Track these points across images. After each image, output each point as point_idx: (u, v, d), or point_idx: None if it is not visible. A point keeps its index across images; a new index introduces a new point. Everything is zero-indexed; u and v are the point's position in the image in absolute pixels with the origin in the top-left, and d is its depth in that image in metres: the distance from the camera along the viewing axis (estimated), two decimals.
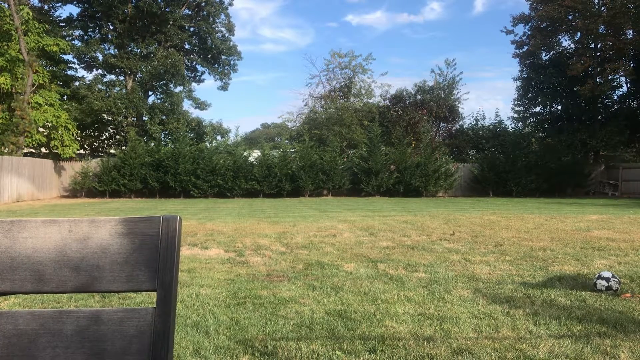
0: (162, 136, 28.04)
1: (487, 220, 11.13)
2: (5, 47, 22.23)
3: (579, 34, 27.37)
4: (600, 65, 26.21)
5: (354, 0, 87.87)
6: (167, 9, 28.90)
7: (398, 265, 5.68)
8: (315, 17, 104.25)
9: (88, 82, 27.94)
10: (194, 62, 32.52)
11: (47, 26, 24.52)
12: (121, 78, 29.32)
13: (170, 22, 29.02)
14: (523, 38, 29.51)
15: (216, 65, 32.51)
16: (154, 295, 1.01)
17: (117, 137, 29.41)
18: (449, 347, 3.00)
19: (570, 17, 27.19)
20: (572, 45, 28.71)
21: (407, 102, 32.38)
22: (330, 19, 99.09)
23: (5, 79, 21.69)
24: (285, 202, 19.84)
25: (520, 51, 29.65)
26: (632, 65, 27.01)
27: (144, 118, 28.11)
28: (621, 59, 26.71)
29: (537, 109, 30.79)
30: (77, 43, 28.62)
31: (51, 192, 24.12)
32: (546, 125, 30.14)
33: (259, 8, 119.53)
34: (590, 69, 26.58)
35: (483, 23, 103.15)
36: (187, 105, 44.35)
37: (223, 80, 32.84)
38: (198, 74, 33.37)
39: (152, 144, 26.09)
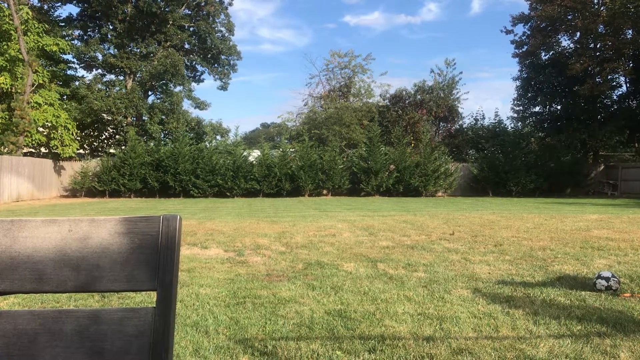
0: (162, 136, 28.01)
1: (486, 219, 11.13)
2: (5, 46, 22.21)
3: (578, 33, 27.35)
4: (599, 65, 26.19)
5: (351, 1, 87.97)
6: (166, 9, 28.87)
7: (398, 264, 5.68)
8: (313, 18, 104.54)
9: (88, 82, 27.91)
10: (194, 62, 32.50)
11: (46, 26, 24.50)
12: (121, 78, 29.31)
13: (170, 22, 29.00)
14: (523, 38, 29.53)
15: (216, 65, 32.50)
16: (153, 295, 1.01)
17: (117, 136, 29.37)
18: (448, 346, 3.00)
19: (569, 17, 27.18)
20: (572, 45, 28.71)
21: (407, 101, 32.41)
22: (328, 19, 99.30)
23: (5, 78, 21.67)
24: (285, 202, 19.84)
25: (520, 51, 29.64)
26: (631, 65, 26.99)
27: (143, 118, 28.09)
28: (620, 59, 26.67)
29: (537, 108, 30.77)
30: (77, 43, 28.61)
31: (51, 191, 24.10)
32: (545, 125, 30.12)
33: (257, 9, 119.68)
34: (589, 68, 26.58)
35: (480, 24, 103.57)
36: (186, 105, 44.34)
37: (223, 80, 32.84)
38: (198, 73, 33.40)
39: (152, 144, 26.06)
